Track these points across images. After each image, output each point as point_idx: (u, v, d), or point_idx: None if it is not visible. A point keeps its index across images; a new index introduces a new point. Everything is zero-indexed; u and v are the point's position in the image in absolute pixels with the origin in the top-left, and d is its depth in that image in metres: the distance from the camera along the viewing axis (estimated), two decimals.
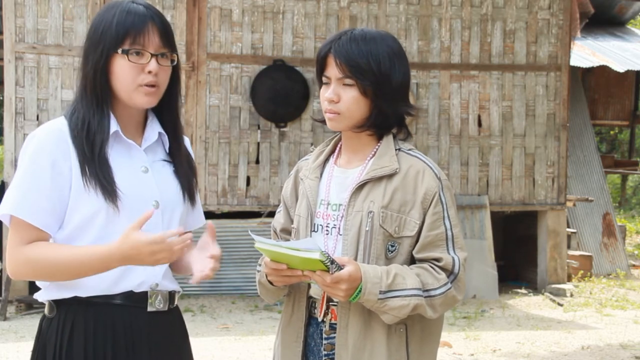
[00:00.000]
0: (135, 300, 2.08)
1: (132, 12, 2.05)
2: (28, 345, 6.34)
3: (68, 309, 2.06)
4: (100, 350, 2.04)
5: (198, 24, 8.52)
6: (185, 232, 2.09)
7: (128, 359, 2.06)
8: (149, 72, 2.05)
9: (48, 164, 2.00)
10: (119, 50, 2.03)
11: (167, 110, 2.17)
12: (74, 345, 2.04)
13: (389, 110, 2.18)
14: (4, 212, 2.01)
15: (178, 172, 2.18)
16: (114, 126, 2.07)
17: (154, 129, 2.16)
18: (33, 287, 8.12)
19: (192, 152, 2.29)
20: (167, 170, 2.16)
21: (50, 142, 2.02)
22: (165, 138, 2.18)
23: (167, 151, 2.18)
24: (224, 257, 9.42)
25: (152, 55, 2.05)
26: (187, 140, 2.28)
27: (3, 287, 7.69)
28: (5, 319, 7.45)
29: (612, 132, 19.52)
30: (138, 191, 2.06)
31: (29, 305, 7.83)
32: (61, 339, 2.04)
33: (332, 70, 2.17)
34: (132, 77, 2.04)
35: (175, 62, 2.12)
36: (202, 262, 2.06)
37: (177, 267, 2.22)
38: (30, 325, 7.21)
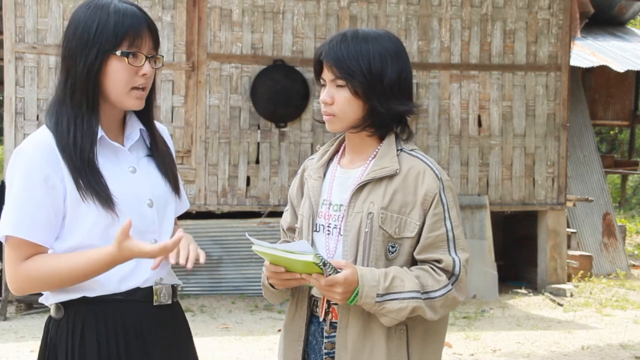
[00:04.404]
0: (142, 295, 2.10)
1: (128, 13, 2.04)
2: (28, 345, 6.34)
3: (77, 310, 2.06)
4: (113, 347, 2.05)
5: (198, 24, 8.52)
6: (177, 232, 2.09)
7: (140, 353, 2.07)
8: (143, 74, 2.06)
9: (40, 179, 1.99)
10: (118, 52, 2.03)
11: (145, 107, 2.15)
12: (86, 345, 2.04)
13: (382, 109, 2.16)
14: (3, 233, 2.00)
15: (161, 166, 2.18)
16: (99, 132, 2.06)
17: (134, 126, 2.16)
18: None
19: (169, 139, 2.29)
20: (153, 166, 2.17)
21: (39, 157, 2.00)
22: (146, 133, 2.18)
23: (149, 146, 2.19)
24: (224, 257, 9.31)
25: (146, 57, 2.06)
26: (164, 129, 2.28)
27: (3, 287, 7.68)
28: (5, 319, 7.44)
29: (612, 132, 19.52)
30: (131, 193, 2.07)
31: (29, 305, 7.83)
32: (72, 340, 2.05)
33: (326, 73, 2.19)
34: (127, 79, 2.04)
35: (161, 65, 2.13)
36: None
37: None
38: (30, 325, 7.20)
